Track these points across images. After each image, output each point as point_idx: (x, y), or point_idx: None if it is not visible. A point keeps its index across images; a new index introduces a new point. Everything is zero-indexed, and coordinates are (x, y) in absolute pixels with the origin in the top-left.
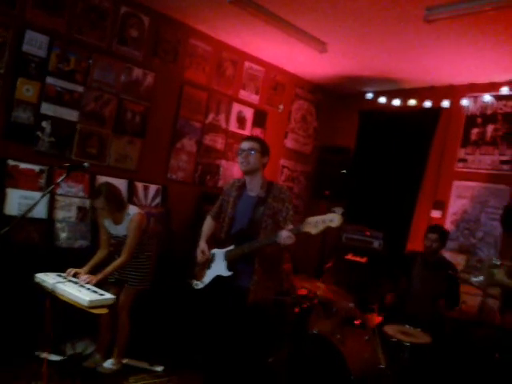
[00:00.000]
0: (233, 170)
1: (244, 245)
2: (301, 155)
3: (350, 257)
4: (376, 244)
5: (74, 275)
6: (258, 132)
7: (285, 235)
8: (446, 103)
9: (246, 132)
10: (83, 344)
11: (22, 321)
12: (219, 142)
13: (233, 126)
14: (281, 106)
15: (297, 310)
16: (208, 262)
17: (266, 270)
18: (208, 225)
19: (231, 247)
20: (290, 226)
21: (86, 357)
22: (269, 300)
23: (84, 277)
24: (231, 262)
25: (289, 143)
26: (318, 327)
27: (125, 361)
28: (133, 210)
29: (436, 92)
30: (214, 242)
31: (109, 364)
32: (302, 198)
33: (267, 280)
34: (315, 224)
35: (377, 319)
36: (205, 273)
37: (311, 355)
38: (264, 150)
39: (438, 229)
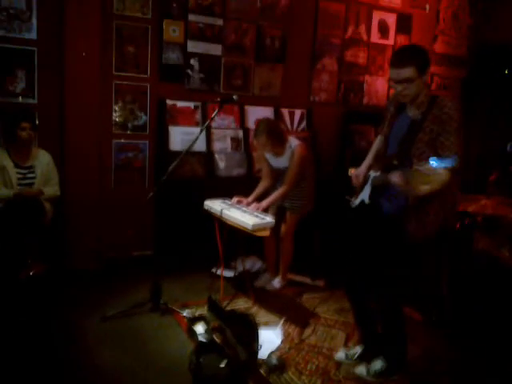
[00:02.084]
0: (377, 84)
1: (389, 173)
2: (453, 59)
3: None
4: None
5: (239, 202)
6: (402, 39)
7: (393, 178)
8: None
9: (390, 41)
10: (251, 261)
11: (196, 242)
12: (361, 57)
13: (375, 37)
14: (427, 6)
15: (457, 226)
16: (363, 184)
17: (421, 204)
18: (376, 144)
19: (378, 173)
20: (430, 162)
21: (254, 273)
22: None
23: (252, 205)
24: (375, 189)
25: (438, 47)
26: (482, 244)
27: (289, 276)
28: (294, 141)
29: None
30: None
31: (276, 282)
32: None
33: (423, 214)
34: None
35: None
36: (359, 193)
37: (476, 272)
38: (423, 66)
39: None
